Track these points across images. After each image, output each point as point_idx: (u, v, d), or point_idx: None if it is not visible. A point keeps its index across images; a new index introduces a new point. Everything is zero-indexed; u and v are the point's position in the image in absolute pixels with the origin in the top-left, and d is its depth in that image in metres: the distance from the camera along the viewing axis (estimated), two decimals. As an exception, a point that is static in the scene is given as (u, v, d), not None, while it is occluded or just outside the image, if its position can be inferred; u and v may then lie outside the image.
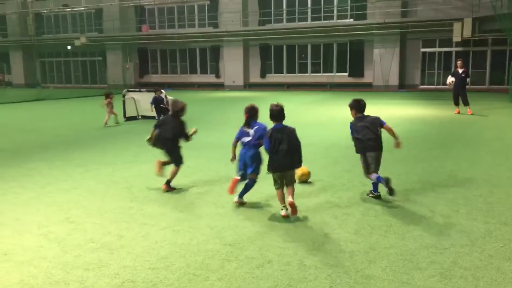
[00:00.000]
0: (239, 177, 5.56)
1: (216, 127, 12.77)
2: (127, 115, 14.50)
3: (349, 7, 29.48)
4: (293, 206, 5.02)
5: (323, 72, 30.64)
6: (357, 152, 5.86)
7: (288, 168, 5.24)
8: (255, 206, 5.53)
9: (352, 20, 29.11)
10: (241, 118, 5.64)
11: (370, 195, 5.83)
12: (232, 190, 5.56)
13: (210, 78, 33.94)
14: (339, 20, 29.72)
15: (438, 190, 6.09)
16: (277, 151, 5.15)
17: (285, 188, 5.22)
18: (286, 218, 5.07)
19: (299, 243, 4.37)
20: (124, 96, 14.72)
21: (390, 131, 5.73)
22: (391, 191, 5.51)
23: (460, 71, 14.74)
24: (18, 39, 39.32)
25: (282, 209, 5.14)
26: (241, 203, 5.61)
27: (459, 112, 14.88)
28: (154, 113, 13.39)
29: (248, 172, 5.50)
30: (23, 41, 39.13)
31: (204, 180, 6.85)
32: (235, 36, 31.87)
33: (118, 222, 5.04)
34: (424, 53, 27.92)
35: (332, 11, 30.12)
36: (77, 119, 15.51)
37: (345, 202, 5.65)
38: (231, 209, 5.44)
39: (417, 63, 28.05)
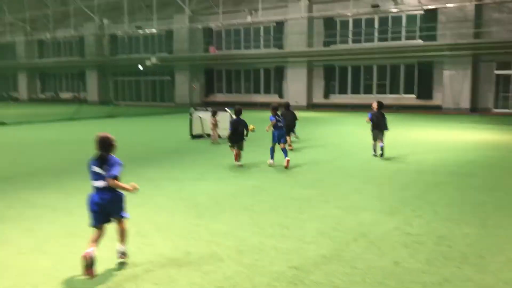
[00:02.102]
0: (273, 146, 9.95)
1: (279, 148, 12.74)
2: (194, 133, 14.89)
3: (418, 28, 28.73)
4: (238, 156, 9.65)
5: (390, 94, 29.97)
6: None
7: (239, 142, 9.65)
8: (319, 229, 5.45)
9: (421, 41, 28.35)
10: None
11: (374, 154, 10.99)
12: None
13: (273, 98, 34.14)
14: (407, 41, 29.07)
15: (517, 222, 5.71)
16: (234, 132, 9.56)
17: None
18: (240, 166, 9.51)
19: (368, 270, 4.24)
20: (191, 114, 15.16)
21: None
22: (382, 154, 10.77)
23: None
24: (94, 59, 41.86)
25: (239, 162, 9.69)
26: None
27: (538, 138, 13.98)
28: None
29: (282, 141, 9.75)
30: (99, 61, 41.63)
31: (267, 200, 6.86)
32: (299, 56, 32.05)
33: (185, 238, 5.14)
34: (498, 75, 26.60)
35: (400, 32, 29.52)
36: (147, 136, 16.13)
37: (416, 229, 5.42)
38: (296, 230, 5.40)
39: (490, 85, 26.76)
